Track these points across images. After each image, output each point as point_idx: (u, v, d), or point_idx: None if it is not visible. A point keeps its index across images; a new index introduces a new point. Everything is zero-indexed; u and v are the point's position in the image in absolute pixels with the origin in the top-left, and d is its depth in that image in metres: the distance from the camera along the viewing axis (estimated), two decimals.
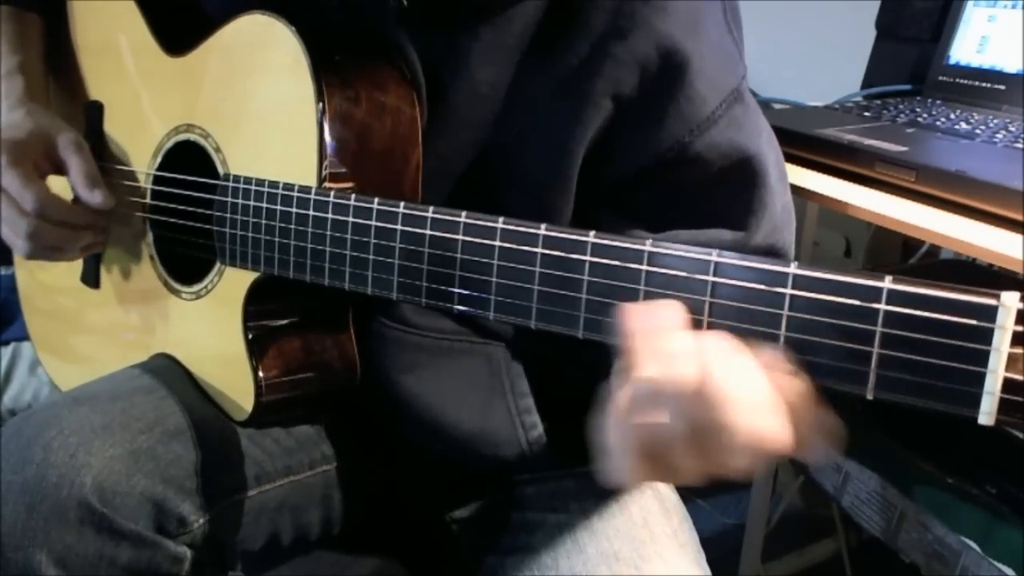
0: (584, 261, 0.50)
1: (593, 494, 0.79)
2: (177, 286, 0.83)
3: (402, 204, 0.59)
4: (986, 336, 0.37)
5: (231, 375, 0.77)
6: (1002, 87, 1.14)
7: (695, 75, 0.67)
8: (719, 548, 1.60)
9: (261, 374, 0.74)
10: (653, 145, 0.69)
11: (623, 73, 0.68)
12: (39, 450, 0.70)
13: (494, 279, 0.53)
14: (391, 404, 0.77)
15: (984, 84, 1.16)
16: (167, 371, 0.82)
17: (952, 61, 1.21)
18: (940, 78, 1.22)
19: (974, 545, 1.06)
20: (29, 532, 0.68)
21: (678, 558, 0.73)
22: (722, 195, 0.71)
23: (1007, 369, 0.37)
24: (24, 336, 1.27)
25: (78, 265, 0.93)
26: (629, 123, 0.69)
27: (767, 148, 0.72)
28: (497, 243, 0.53)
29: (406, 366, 0.76)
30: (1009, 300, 0.37)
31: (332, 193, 0.64)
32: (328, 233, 0.65)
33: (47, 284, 1.01)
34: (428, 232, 0.57)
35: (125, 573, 0.70)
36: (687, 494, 0.82)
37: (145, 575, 0.71)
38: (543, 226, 0.51)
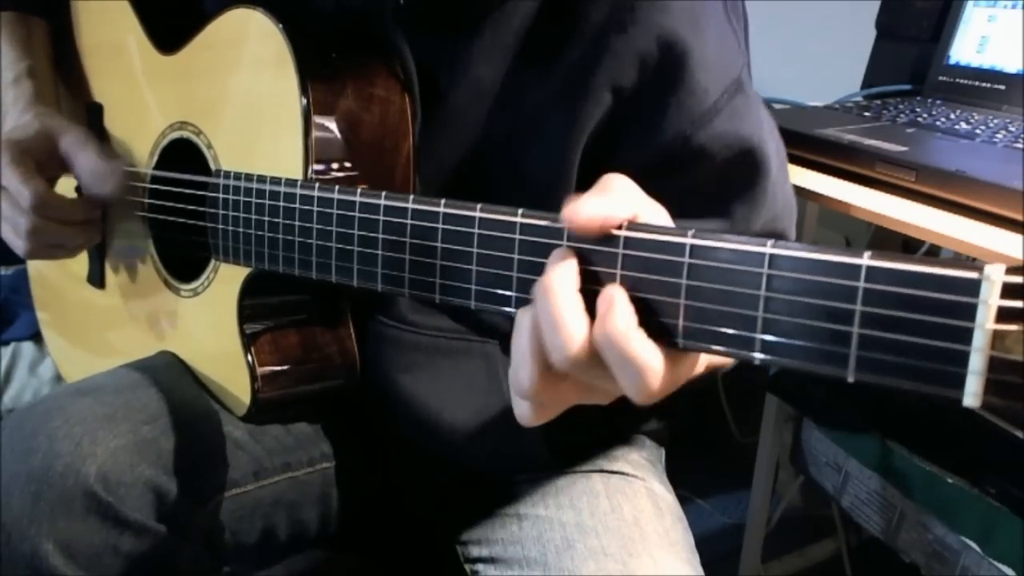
0: (559, 246, 0.48)
1: (586, 492, 0.79)
2: (176, 284, 0.83)
3: (384, 195, 0.58)
4: (969, 312, 0.35)
5: (229, 371, 0.77)
6: (1002, 87, 1.14)
7: (696, 67, 0.67)
8: (719, 548, 1.60)
9: (257, 370, 0.75)
10: (656, 139, 0.69)
11: (623, 66, 0.67)
12: (44, 439, 0.70)
13: (474, 267, 0.52)
14: (389, 403, 0.77)
15: (984, 84, 1.16)
16: (169, 367, 0.82)
17: (952, 61, 1.21)
18: (940, 78, 1.22)
19: (974, 545, 1.06)
20: (36, 521, 0.68)
21: (668, 557, 0.73)
22: (724, 186, 0.71)
23: (993, 347, 0.34)
24: (24, 336, 1.28)
25: (85, 262, 0.94)
26: (631, 117, 0.69)
27: (769, 138, 0.72)
28: (476, 231, 0.52)
29: (404, 365, 0.76)
30: (994, 273, 0.34)
31: (316, 186, 0.64)
32: (314, 226, 0.64)
33: (57, 279, 1.02)
34: (409, 222, 0.56)
35: (126, 561, 0.70)
36: (687, 494, 0.82)
37: (145, 563, 0.71)
38: (520, 212, 0.50)
